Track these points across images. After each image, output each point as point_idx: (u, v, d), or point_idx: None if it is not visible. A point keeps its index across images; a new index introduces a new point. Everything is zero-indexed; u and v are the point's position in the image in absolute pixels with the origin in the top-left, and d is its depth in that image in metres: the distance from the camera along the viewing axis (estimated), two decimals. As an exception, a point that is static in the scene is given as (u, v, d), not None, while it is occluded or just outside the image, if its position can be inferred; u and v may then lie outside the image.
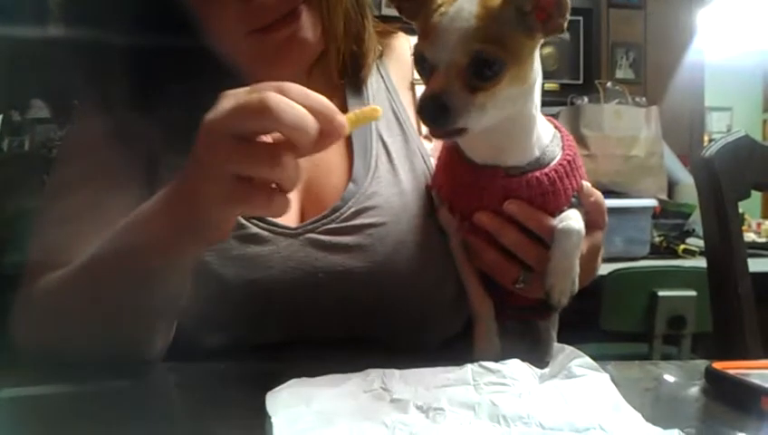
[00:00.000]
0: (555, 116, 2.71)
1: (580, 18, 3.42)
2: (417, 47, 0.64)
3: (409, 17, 0.67)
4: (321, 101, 0.53)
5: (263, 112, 0.50)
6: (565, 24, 0.62)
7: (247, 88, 0.53)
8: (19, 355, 0.72)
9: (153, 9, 0.75)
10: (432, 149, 0.85)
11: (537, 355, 0.66)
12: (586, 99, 2.74)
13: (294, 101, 0.51)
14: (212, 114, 0.53)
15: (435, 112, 0.61)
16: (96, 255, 0.67)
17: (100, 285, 0.66)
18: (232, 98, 0.53)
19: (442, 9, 0.62)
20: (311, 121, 0.51)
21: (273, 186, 0.54)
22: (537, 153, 0.70)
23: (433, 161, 0.82)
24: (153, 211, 0.62)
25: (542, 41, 0.64)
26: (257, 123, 0.51)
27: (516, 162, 0.69)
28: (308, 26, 0.76)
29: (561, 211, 0.69)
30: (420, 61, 0.64)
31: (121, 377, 0.62)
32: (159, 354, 0.69)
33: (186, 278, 0.65)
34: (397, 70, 0.90)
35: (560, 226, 0.67)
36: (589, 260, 0.72)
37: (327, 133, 0.52)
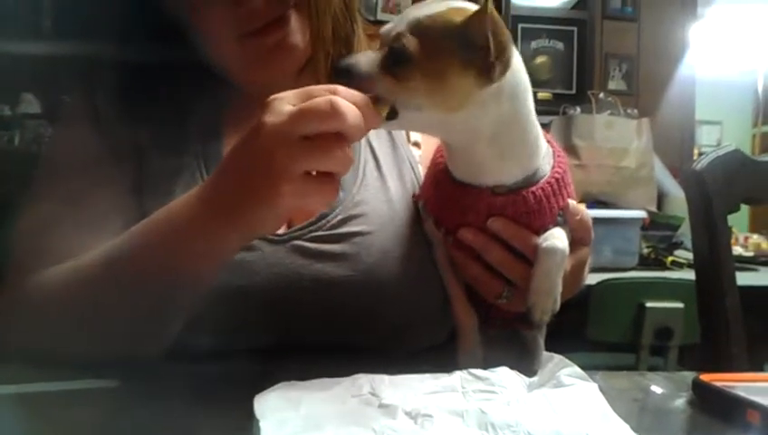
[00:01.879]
0: (548, 125, 2.73)
1: (575, 29, 3.44)
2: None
3: None
4: (364, 98, 0.58)
5: (333, 115, 0.55)
6: (496, 76, 0.61)
7: (296, 91, 0.58)
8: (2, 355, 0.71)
9: (144, 13, 0.75)
10: (420, 156, 0.85)
11: (525, 363, 0.66)
12: (578, 109, 2.75)
13: (345, 99, 0.56)
14: (273, 118, 0.57)
15: (346, 59, 0.63)
16: (120, 252, 0.67)
17: (125, 283, 0.66)
18: (284, 102, 0.57)
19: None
20: (362, 117, 0.57)
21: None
22: (525, 174, 0.69)
23: (421, 169, 0.82)
24: (194, 211, 0.63)
25: (490, 85, 0.62)
26: (326, 124, 0.56)
27: (500, 182, 0.69)
28: (297, 31, 0.77)
29: (546, 229, 0.69)
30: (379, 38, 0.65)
31: (110, 377, 0.61)
32: (161, 352, 0.68)
33: (211, 280, 0.66)
34: None
35: (543, 245, 0.67)
36: (574, 276, 0.72)
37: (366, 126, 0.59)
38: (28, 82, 2.62)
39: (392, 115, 0.62)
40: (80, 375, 0.61)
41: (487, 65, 0.61)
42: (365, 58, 0.62)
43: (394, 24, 0.63)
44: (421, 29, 0.61)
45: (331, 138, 0.57)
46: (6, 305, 0.72)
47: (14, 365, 0.69)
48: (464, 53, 0.61)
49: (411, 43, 0.60)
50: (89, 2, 0.83)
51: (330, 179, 0.59)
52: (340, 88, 0.58)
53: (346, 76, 0.61)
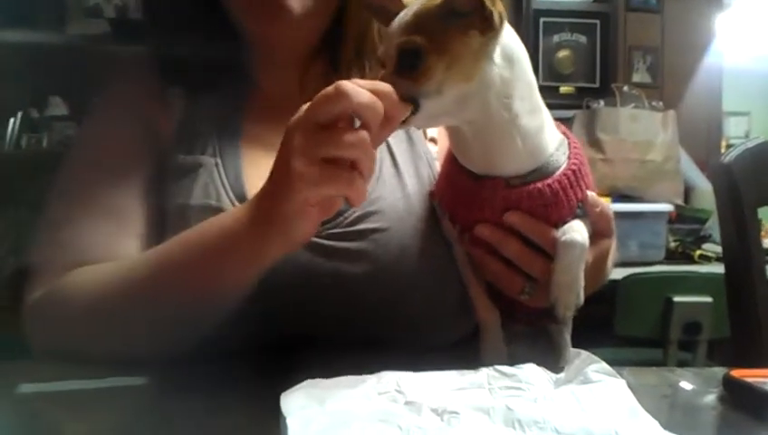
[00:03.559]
0: (571, 120, 2.71)
1: (597, 21, 3.39)
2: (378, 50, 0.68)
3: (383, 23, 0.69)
4: (385, 85, 0.59)
5: (339, 96, 0.56)
6: (498, 23, 0.62)
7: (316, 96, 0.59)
8: (34, 353, 0.73)
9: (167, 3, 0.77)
10: (437, 152, 0.84)
11: (551, 360, 0.66)
12: (602, 102, 2.71)
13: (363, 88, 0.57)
14: (294, 118, 0.59)
15: None
16: (164, 259, 0.68)
17: (171, 287, 0.68)
18: (305, 104, 0.59)
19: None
20: (378, 101, 0.57)
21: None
22: (538, 162, 0.68)
23: (438, 165, 0.82)
24: (236, 218, 0.65)
25: (494, 41, 0.64)
26: (335, 106, 0.57)
27: (514, 172, 0.68)
28: None
29: (565, 222, 0.68)
30: (381, 64, 0.66)
31: (137, 375, 0.62)
32: (188, 350, 0.69)
33: (251, 286, 0.67)
34: None
35: (562, 238, 0.66)
36: (596, 268, 0.71)
37: (390, 116, 0.59)
38: (56, 85, 2.66)
39: (414, 110, 0.62)
40: (107, 373, 0.62)
41: (484, 17, 0.62)
42: (383, 77, 0.62)
43: (388, 43, 0.64)
44: (418, 26, 0.62)
45: (356, 127, 0.58)
46: (36, 304, 0.73)
47: (46, 364, 0.70)
48: (460, 21, 0.62)
49: (417, 38, 0.61)
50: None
51: (348, 168, 0.58)
52: (358, 80, 0.58)
53: None
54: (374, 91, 0.58)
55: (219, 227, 0.66)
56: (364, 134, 0.58)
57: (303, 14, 0.79)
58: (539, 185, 0.67)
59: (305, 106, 0.59)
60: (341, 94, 0.56)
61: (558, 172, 0.69)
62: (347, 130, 0.57)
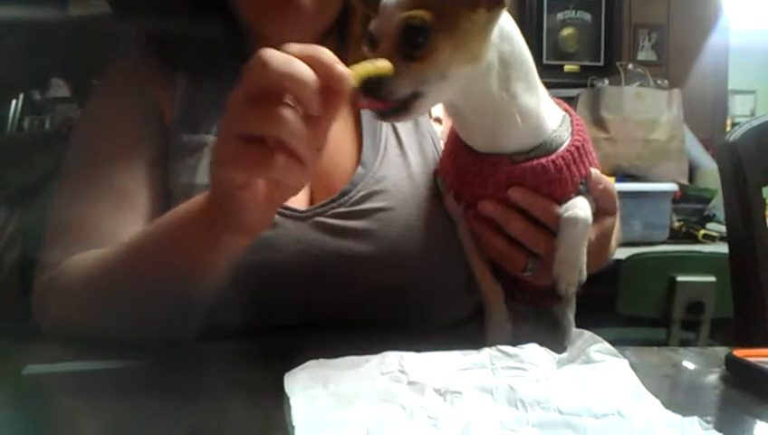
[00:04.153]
0: (575, 98, 2.68)
1: (602, -1, 3.36)
2: (369, 27, 0.63)
3: (370, 10, 0.65)
4: (319, 51, 0.51)
5: (260, 67, 0.49)
6: None
7: None
8: (42, 333, 0.73)
9: None
10: (442, 132, 0.84)
11: (554, 339, 0.66)
12: (607, 81, 2.69)
13: (293, 56, 0.50)
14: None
15: (370, 85, 0.57)
16: (138, 243, 0.68)
17: (142, 275, 0.67)
18: None
19: None
20: (307, 71, 0.50)
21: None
22: (541, 139, 0.68)
23: (442, 144, 0.82)
24: (196, 201, 0.63)
25: (497, 18, 0.62)
26: (257, 78, 0.50)
27: (517, 148, 0.68)
28: None
29: (569, 199, 0.68)
30: (369, 39, 0.63)
31: (141, 357, 0.62)
32: (192, 334, 0.70)
33: (222, 273, 0.66)
34: None
35: (565, 214, 0.66)
36: (599, 246, 0.71)
37: (331, 89, 0.51)
38: (57, 67, 2.65)
39: (414, 99, 0.60)
40: (113, 355, 0.62)
41: None
42: (380, 64, 0.57)
43: (385, 18, 0.60)
44: (415, 2, 0.59)
45: (281, 103, 0.50)
46: (42, 286, 0.74)
47: (52, 345, 0.71)
48: None
49: (423, 13, 0.58)
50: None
51: (280, 153, 0.51)
52: (291, 44, 0.51)
53: (379, 94, 0.59)
54: (308, 58, 0.50)
55: (183, 211, 0.65)
56: (286, 110, 0.50)
57: (316, 10, 0.77)
58: (543, 161, 0.67)
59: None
60: (262, 65, 0.49)
61: (561, 148, 0.68)
62: (270, 105, 0.50)
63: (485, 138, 0.69)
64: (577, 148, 0.69)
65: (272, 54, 0.50)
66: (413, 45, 0.59)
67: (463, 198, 0.72)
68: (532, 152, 0.68)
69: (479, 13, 0.61)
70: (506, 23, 0.65)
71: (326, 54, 0.51)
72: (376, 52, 0.60)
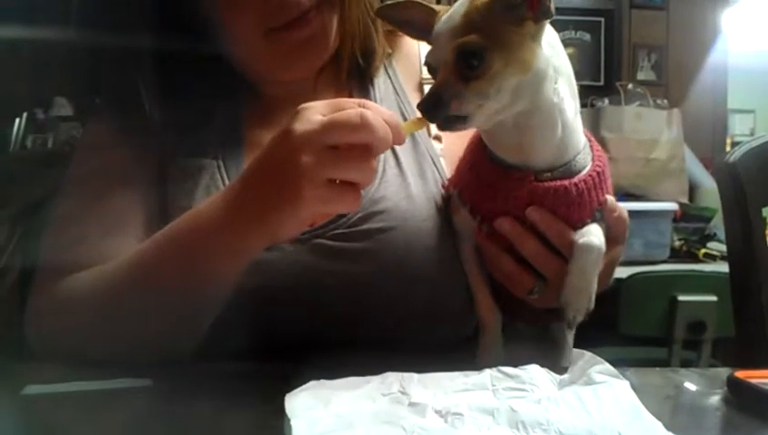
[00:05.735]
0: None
1: (602, 19, 3.38)
2: (426, 56, 0.67)
3: (423, 39, 0.69)
4: (392, 114, 0.61)
5: (364, 127, 0.57)
6: (552, 7, 0.62)
7: (327, 102, 0.60)
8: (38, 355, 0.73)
9: (170, 12, 0.76)
10: (441, 149, 0.84)
11: (552, 358, 0.66)
12: (606, 101, 2.71)
13: (383, 119, 0.59)
14: (304, 126, 0.58)
15: (430, 103, 0.63)
16: (145, 255, 0.68)
17: (150, 285, 0.68)
18: (315, 111, 0.59)
19: (441, 17, 0.65)
20: (389, 134, 0.59)
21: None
22: (568, 157, 0.69)
23: (443, 162, 0.82)
24: (219, 212, 0.64)
25: (544, 28, 0.64)
26: (355, 136, 0.58)
27: (546, 164, 0.68)
28: (326, 27, 0.77)
29: (584, 224, 0.68)
30: (428, 67, 0.66)
31: (142, 377, 0.62)
32: (189, 352, 0.70)
33: (230, 285, 0.67)
34: (405, 70, 0.90)
35: (580, 241, 0.66)
36: (605, 272, 0.71)
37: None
38: (61, 86, 2.67)
39: (461, 120, 0.63)
40: (112, 375, 0.62)
41: (536, 4, 0.62)
42: (443, 86, 0.62)
43: (440, 49, 0.63)
44: (472, 25, 0.62)
45: (358, 149, 0.59)
46: (41, 307, 0.74)
47: (51, 365, 0.70)
48: (511, 13, 0.62)
49: (475, 38, 0.61)
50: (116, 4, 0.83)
51: (353, 189, 0.60)
52: (370, 103, 0.60)
53: (439, 111, 0.62)
54: (388, 123, 0.59)
55: (195, 220, 0.66)
56: (373, 163, 0.60)
57: (332, 43, 0.80)
58: (565, 183, 0.68)
59: (318, 118, 0.58)
60: (367, 127, 0.57)
61: (583, 172, 0.69)
62: (361, 156, 0.59)
63: (519, 148, 0.69)
64: (598, 173, 0.69)
65: (374, 119, 0.58)
66: (470, 68, 0.62)
67: (480, 212, 0.72)
68: (557, 171, 0.68)
69: (527, 26, 0.63)
70: (549, 32, 0.66)
71: (396, 118, 0.60)
72: (437, 79, 0.64)
